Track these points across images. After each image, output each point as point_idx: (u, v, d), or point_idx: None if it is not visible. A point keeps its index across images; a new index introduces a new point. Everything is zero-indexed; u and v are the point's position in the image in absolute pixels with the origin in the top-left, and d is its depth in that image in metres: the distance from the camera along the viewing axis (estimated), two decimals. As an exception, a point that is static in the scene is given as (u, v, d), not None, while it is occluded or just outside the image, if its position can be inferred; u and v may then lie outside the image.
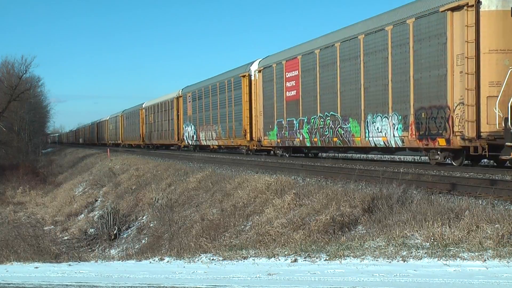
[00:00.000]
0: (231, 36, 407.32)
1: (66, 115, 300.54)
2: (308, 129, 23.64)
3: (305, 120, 23.89)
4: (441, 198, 10.53)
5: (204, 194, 18.02)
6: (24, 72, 61.68)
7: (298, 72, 24.58)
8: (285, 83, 25.75)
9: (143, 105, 58.86)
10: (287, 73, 25.65)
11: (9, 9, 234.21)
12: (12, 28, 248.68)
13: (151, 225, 18.93)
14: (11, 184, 42.43)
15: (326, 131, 22.58)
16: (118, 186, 28.67)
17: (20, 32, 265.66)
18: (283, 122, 25.95)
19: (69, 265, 10.86)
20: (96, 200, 28.90)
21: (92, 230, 22.12)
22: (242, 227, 13.14)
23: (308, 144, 23.97)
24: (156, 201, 20.60)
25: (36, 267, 10.97)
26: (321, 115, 22.87)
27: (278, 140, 26.49)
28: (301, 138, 24.24)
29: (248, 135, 30.46)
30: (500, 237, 7.75)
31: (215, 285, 7.42)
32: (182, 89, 44.73)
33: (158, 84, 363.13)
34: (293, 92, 25.15)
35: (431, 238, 8.22)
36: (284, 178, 15.34)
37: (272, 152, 30.86)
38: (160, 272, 8.89)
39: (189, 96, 41.96)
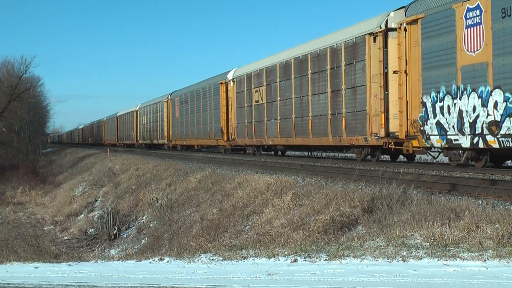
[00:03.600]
0: (234, 34, 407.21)
1: (66, 115, 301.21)
2: None
3: None
4: (441, 198, 10.52)
5: (204, 194, 18.01)
6: (24, 72, 61.91)
7: None
8: None
9: (229, 76, 33.17)
10: None
11: (9, 9, 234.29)
12: (12, 28, 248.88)
13: (151, 225, 18.93)
14: (11, 184, 42.39)
15: None
16: (118, 186, 28.66)
17: (20, 32, 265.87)
18: None
19: (69, 265, 10.86)
20: (96, 200, 28.90)
21: (92, 230, 22.12)
22: (242, 227, 13.13)
23: None
24: (156, 201, 20.61)
25: (36, 267, 10.96)
26: None
27: None
28: None
29: None
30: (500, 237, 7.75)
31: (215, 285, 7.42)
32: (395, 12, 18.59)
33: (160, 84, 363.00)
34: None
35: (431, 238, 8.22)
36: (284, 178, 15.34)
37: None
38: (160, 272, 8.89)
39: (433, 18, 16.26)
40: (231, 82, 32.60)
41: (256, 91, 28.91)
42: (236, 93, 31.71)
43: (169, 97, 46.95)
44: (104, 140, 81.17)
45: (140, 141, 57.36)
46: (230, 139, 32.60)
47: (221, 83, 33.75)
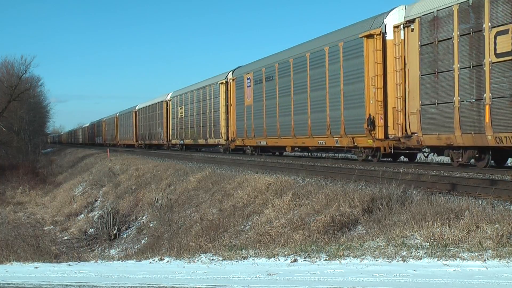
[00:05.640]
0: (234, 34, 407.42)
1: (66, 115, 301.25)
2: None
3: None
4: (441, 198, 10.52)
5: (204, 194, 18.01)
6: (24, 72, 61.98)
7: None
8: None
9: (387, 20, 18.31)
10: None
11: (8, 9, 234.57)
12: (12, 28, 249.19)
13: (151, 225, 18.93)
14: (11, 184, 42.40)
15: None
16: (118, 186, 28.66)
17: (20, 32, 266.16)
18: None
19: (69, 265, 10.87)
20: (96, 200, 28.90)
21: (92, 230, 22.12)
22: (242, 227, 13.13)
23: None
24: (156, 201, 20.60)
25: (36, 267, 10.98)
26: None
27: None
28: None
29: None
30: (500, 237, 7.75)
31: (215, 285, 7.42)
32: None
33: (160, 84, 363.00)
34: None
35: (431, 238, 8.22)
36: (284, 178, 15.34)
37: None
38: (160, 272, 8.90)
39: None
40: (402, 28, 17.26)
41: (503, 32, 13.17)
42: (420, 46, 16.21)
43: (230, 76, 31.90)
44: (117, 140, 66.55)
45: (174, 141, 42.79)
46: (400, 134, 17.61)
47: (368, 37, 18.96)
